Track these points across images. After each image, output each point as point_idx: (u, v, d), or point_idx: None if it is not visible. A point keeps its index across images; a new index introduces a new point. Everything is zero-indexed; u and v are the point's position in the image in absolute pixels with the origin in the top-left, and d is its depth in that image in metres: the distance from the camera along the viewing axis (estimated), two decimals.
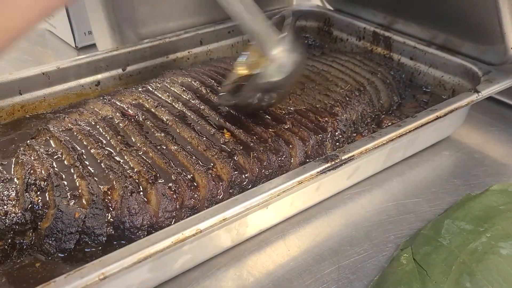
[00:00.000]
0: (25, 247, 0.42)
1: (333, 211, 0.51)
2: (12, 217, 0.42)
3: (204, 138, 0.49)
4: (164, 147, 0.48)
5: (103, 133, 0.50)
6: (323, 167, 0.43)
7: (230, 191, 0.46)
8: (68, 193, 0.43)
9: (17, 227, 0.42)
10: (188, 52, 0.72)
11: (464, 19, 0.61)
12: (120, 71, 0.66)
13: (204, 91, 0.59)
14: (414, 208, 0.51)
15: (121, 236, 0.42)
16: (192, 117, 0.53)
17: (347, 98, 0.58)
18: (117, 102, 0.56)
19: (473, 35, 0.62)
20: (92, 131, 0.51)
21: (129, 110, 0.54)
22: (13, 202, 0.43)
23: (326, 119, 0.54)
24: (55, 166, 0.46)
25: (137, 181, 0.44)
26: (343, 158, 0.44)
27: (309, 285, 0.42)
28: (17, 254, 0.41)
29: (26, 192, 0.43)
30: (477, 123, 0.67)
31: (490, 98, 0.70)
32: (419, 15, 0.69)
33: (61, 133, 0.50)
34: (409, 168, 0.57)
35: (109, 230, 0.42)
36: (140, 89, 0.59)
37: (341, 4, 0.80)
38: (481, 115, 0.68)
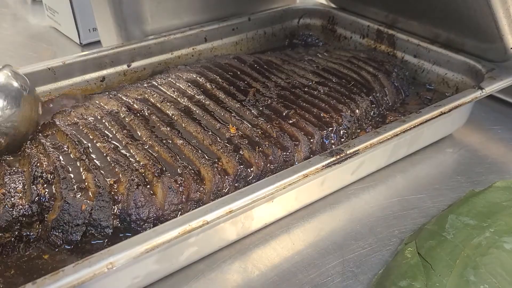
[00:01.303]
0: (32, 239, 0.42)
1: (337, 206, 0.51)
2: (19, 209, 0.42)
3: (210, 133, 0.50)
4: (170, 141, 0.49)
5: (109, 127, 0.51)
6: (329, 161, 0.43)
7: (236, 185, 0.46)
8: (75, 186, 0.43)
9: (24, 219, 0.42)
10: (193, 49, 0.72)
11: (464, 20, 0.62)
12: (125, 67, 0.66)
13: (209, 87, 0.59)
14: (418, 204, 0.52)
15: (127, 228, 0.42)
16: (197, 112, 0.54)
17: (352, 95, 0.59)
18: (122, 97, 0.56)
19: (474, 35, 0.63)
20: (98, 125, 0.51)
21: (135, 105, 0.55)
22: (20, 194, 0.43)
23: (331, 114, 0.54)
24: (62, 159, 0.46)
25: (143, 174, 0.44)
26: (348, 152, 0.45)
27: (314, 278, 0.43)
28: (24, 246, 0.42)
29: (33, 185, 0.43)
30: (480, 121, 0.67)
31: (493, 97, 0.70)
32: (421, 14, 0.69)
33: (67, 127, 0.50)
34: (412, 165, 0.58)
35: (115, 222, 0.42)
36: (145, 85, 0.60)
37: (344, 2, 0.81)
38: (484, 114, 0.68)
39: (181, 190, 0.44)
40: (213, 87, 0.59)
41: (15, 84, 0.47)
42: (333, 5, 0.83)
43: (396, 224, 0.49)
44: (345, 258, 0.45)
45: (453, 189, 0.54)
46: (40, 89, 0.60)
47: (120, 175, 0.44)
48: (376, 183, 0.55)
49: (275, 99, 0.57)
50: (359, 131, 0.57)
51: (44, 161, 0.46)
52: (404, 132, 0.48)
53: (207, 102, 0.55)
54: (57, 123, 0.51)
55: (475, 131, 0.65)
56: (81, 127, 0.51)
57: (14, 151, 0.48)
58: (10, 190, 0.43)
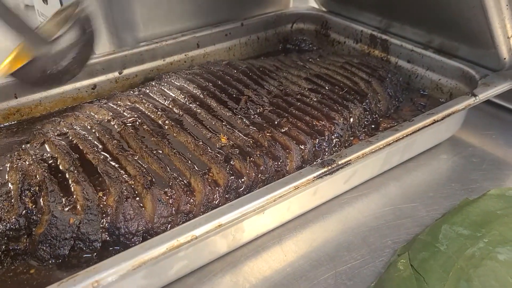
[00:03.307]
0: (19, 253, 0.41)
1: (330, 216, 0.50)
2: (6, 223, 0.41)
3: (201, 143, 0.49)
4: (160, 152, 0.48)
5: (99, 137, 0.50)
6: (320, 172, 0.43)
7: (226, 196, 0.45)
8: (63, 199, 0.42)
9: (11, 233, 0.41)
10: (185, 55, 0.71)
11: (459, 26, 0.61)
12: (116, 74, 0.65)
13: (200, 95, 0.58)
14: (412, 213, 0.51)
15: (116, 242, 0.42)
16: (188, 121, 0.53)
17: (345, 102, 0.58)
18: (113, 106, 0.56)
19: (468, 40, 0.62)
20: (87, 136, 0.50)
21: (125, 114, 0.54)
22: (7, 207, 0.42)
23: (323, 123, 0.54)
24: (50, 171, 0.45)
25: (132, 186, 0.44)
26: (339, 162, 0.44)
27: None
28: (11, 261, 0.41)
29: (20, 198, 0.43)
30: (475, 127, 0.66)
31: (488, 102, 0.70)
32: (415, 20, 0.68)
33: (56, 137, 0.50)
34: (406, 172, 0.57)
35: (104, 236, 0.42)
36: (136, 93, 0.59)
37: (335, 7, 0.80)
38: (479, 119, 0.68)
39: (170, 202, 0.43)
40: (205, 94, 0.58)
41: None
42: (322, 9, 0.83)
43: (389, 234, 0.48)
44: (338, 270, 0.44)
45: (448, 197, 0.53)
46: (29, 98, 0.59)
47: (109, 187, 0.43)
48: (369, 191, 0.54)
49: (267, 107, 0.56)
50: (352, 138, 0.56)
51: (32, 173, 0.45)
52: (396, 141, 0.48)
53: (199, 111, 0.55)
54: (46, 133, 0.50)
55: (469, 136, 0.65)
56: (70, 138, 0.50)
57: None
58: None
